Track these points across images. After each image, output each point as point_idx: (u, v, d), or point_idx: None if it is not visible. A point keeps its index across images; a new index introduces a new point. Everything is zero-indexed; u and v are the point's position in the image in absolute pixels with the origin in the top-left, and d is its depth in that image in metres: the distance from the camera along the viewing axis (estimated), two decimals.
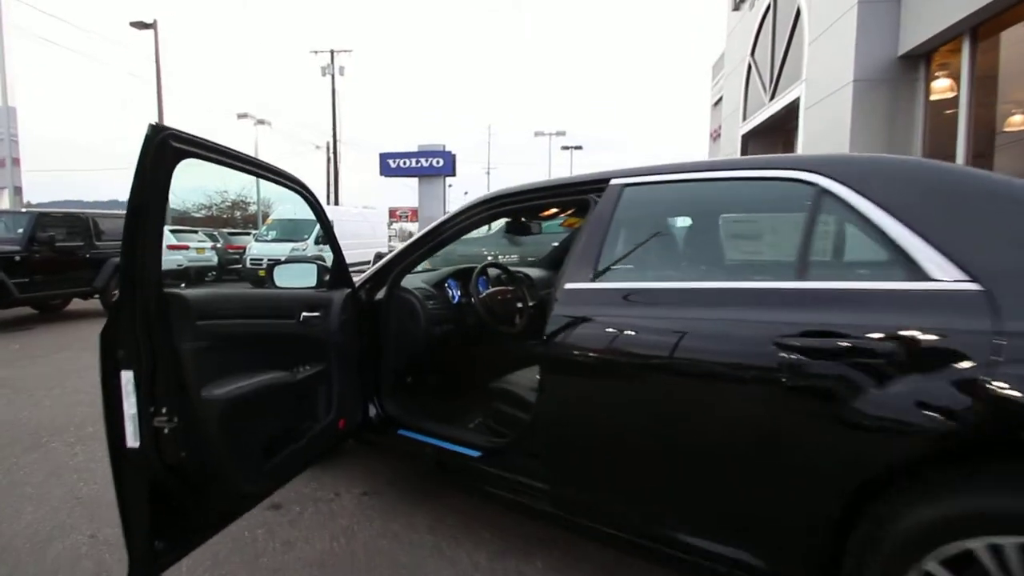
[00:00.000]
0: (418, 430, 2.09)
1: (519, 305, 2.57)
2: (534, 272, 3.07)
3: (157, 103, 17.57)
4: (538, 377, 1.63)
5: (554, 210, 2.43)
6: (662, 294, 1.42)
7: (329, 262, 2.10)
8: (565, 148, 29.85)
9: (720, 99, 13.70)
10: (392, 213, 32.44)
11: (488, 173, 44.33)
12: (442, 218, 2.10)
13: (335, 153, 24.62)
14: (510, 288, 2.60)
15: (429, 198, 26.65)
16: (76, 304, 8.30)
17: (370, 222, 16.15)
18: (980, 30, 5.68)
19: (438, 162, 26.05)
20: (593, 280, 1.55)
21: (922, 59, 6.50)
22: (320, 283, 1.97)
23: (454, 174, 26.14)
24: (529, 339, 2.73)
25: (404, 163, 25.88)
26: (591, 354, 1.47)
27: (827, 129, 7.24)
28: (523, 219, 2.55)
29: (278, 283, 1.91)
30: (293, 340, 1.75)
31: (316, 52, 26.74)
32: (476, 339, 2.63)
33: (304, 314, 1.77)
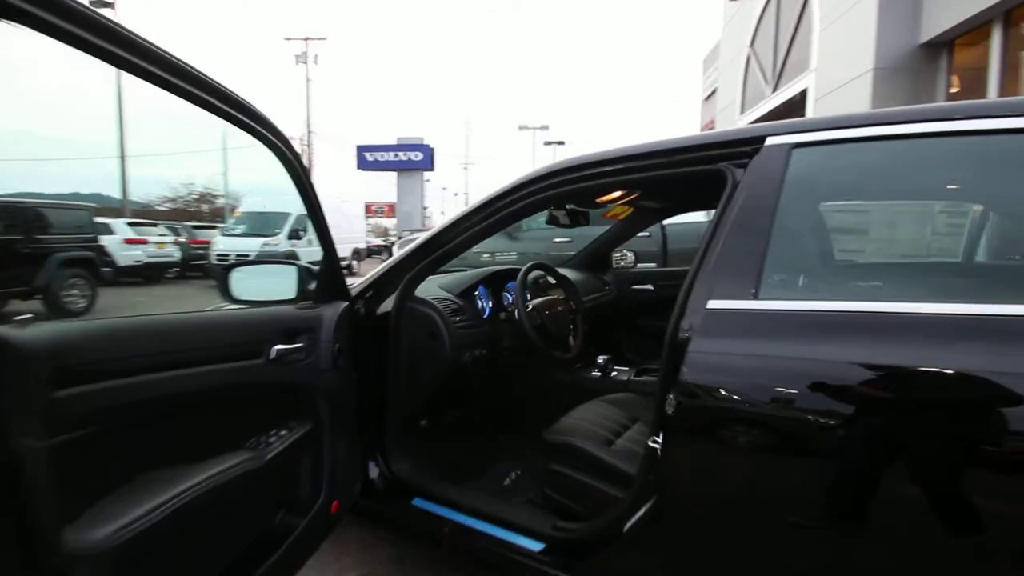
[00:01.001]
0: (442, 501, 1.47)
1: (572, 318, 1.97)
2: (571, 275, 2.47)
3: (116, 87, 16.35)
4: (656, 442, 1.03)
5: (617, 193, 1.82)
6: (902, 324, 0.83)
7: (309, 261, 1.46)
8: (548, 143, 29.26)
9: (713, 92, 13.32)
10: (368, 208, 31.33)
11: (466, 168, 43.55)
12: (478, 202, 1.48)
13: (308, 144, 23.54)
14: (560, 298, 2.00)
15: (407, 193, 25.81)
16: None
17: (347, 216, 15.28)
18: (1015, 14, 5.30)
19: (417, 156, 25.24)
20: (757, 296, 0.96)
21: (944, 47, 6.12)
22: (303, 294, 1.32)
23: (432, 168, 25.45)
24: (579, 365, 2.14)
25: (382, 156, 25.00)
26: (777, 415, 0.88)
27: None
28: (570, 205, 1.93)
29: (237, 295, 1.24)
30: (257, 394, 1.11)
31: (289, 39, 25.60)
32: (517, 368, 2.02)
33: (277, 348, 1.13)
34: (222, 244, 11.19)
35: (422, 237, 1.57)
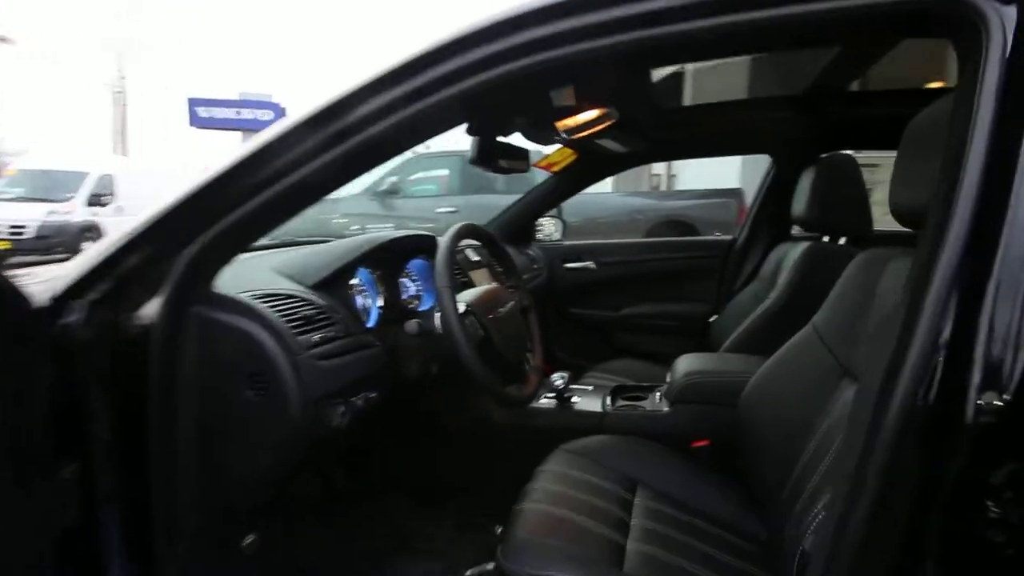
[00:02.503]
0: None
1: (525, 324, 1.22)
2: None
3: None
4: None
5: (592, 115, 1.11)
6: None
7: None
8: None
9: None
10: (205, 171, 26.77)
11: None
12: (361, 83, 0.65)
13: (122, 91, 19.26)
14: (503, 288, 1.24)
15: None
16: None
17: (178, 182, 12.61)
18: None
19: (265, 115, 22.00)
20: None
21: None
22: None
23: None
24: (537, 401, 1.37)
25: (219, 113, 21.33)
26: None
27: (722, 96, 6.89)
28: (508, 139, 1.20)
29: None
30: None
31: None
32: (432, 412, 1.25)
33: None
34: None
35: (215, 167, 0.70)
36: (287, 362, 0.78)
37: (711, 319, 1.92)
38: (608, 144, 1.59)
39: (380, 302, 1.12)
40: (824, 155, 1.57)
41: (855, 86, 1.59)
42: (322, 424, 0.83)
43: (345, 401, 0.89)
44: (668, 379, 1.34)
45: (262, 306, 0.82)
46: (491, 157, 1.21)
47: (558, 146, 1.84)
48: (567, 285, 2.12)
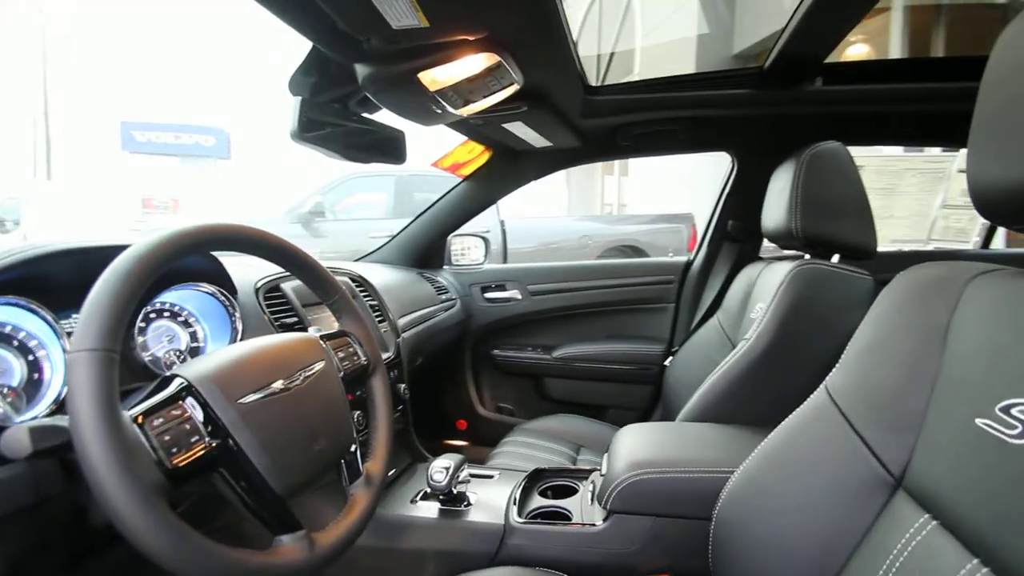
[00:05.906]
0: None
1: (373, 402, 0.75)
2: (380, 274, 1.25)
3: None
4: None
5: (476, 67, 0.70)
6: None
7: None
8: None
9: None
10: (147, 203, 25.30)
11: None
12: None
13: (45, 114, 17.96)
14: (331, 335, 0.75)
15: (195, 184, 21.46)
16: None
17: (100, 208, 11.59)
18: None
19: (207, 140, 21.13)
20: None
21: (752, 59, 6.45)
22: None
23: (228, 156, 21.60)
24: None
25: (157, 137, 20.36)
26: None
27: None
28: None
29: None
30: None
31: None
32: None
33: None
34: None
35: None
36: None
37: (667, 362, 1.54)
38: (521, 133, 1.21)
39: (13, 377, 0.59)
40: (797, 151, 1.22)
41: (836, 56, 1.24)
42: None
43: None
44: (603, 468, 0.90)
45: None
46: (314, 128, 0.78)
47: (462, 139, 1.46)
48: (487, 320, 1.71)
